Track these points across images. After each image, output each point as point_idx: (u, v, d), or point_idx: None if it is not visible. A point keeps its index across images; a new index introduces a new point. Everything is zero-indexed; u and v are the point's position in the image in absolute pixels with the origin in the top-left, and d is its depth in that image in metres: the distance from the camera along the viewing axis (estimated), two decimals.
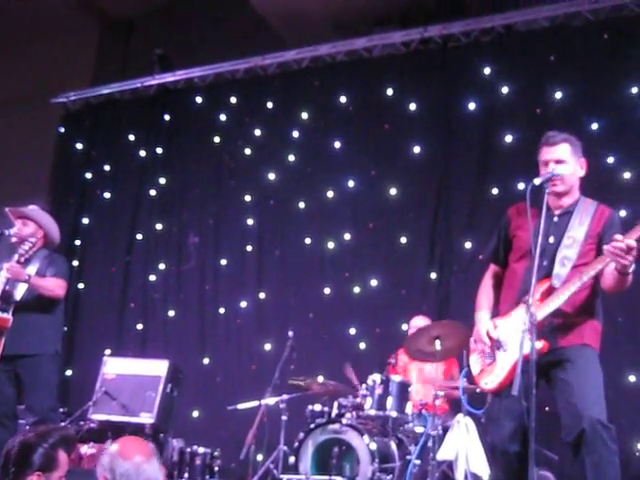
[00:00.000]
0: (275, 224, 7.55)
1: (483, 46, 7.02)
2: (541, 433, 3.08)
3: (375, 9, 7.56)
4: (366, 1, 7.50)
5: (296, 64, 7.85)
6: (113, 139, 8.58)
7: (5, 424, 4.75)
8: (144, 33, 9.12)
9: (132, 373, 6.25)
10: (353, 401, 5.22)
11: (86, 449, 5.49)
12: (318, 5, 7.75)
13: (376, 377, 5.24)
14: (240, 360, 7.27)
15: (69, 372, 7.81)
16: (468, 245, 6.59)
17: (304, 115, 7.62)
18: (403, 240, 6.88)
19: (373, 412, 5.13)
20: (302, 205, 7.43)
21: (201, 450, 5.70)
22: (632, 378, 5.71)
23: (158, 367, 6.23)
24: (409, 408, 5.19)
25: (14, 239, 4.89)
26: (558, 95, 6.50)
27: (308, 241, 7.30)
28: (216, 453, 5.76)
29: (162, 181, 8.19)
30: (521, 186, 6.03)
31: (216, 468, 5.73)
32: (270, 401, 5.54)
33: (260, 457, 5.81)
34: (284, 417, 5.42)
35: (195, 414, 7.16)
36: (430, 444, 4.78)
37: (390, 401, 5.16)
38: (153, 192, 8.18)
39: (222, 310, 7.51)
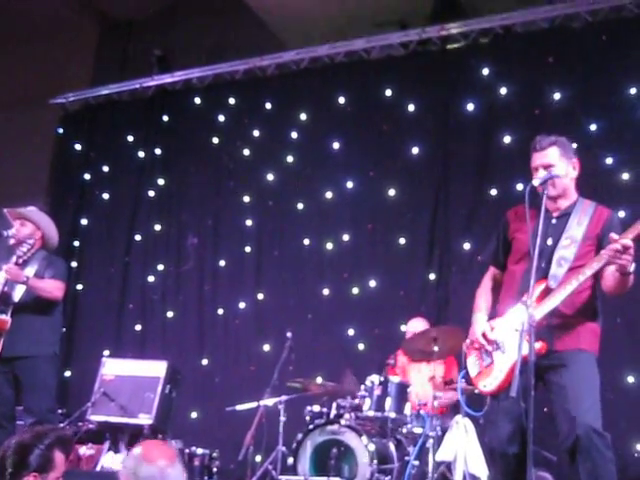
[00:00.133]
0: (274, 225, 7.54)
1: (482, 47, 7.02)
2: (539, 434, 3.08)
3: (373, 10, 7.55)
4: (365, 2, 7.49)
5: (295, 65, 7.85)
6: (112, 140, 8.57)
7: (3, 425, 4.74)
8: (143, 34, 9.10)
9: (131, 374, 6.26)
10: (352, 402, 5.20)
11: (85, 450, 5.50)
12: (317, 6, 7.74)
13: (375, 378, 5.24)
14: (239, 361, 7.26)
15: (68, 373, 7.81)
16: (467, 246, 6.58)
17: (303, 116, 7.61)
18: (402, 241, 6.88)
19: (372, 413, 5.13)
20: (301, 206, 7.42)
21: (200, 451, 5.69)
22: (630, 379, 5.71)
23: (157, 368, 6.23)
24: (408, 409, 5.19)
25: (12, 240, 4.88)
26: (557, 96, 6.50)
27: (307, 242, 7.29)
28: (215, 454, 5.77)
29: (161, 182, 8.18)
30: (520, 187, 6.03)
31: (215, 469, 5.73)
32: (269, 402, 5.53)
33: (259, 458, 5.79)
34: (283, 418, 5.42)
35: (194, 415, 7.16)
36: (429, 445, 4.78)
37: (389, 402, 5.16)
38: (152, 193, 8.18)
39: (221, 311, 7.50)
